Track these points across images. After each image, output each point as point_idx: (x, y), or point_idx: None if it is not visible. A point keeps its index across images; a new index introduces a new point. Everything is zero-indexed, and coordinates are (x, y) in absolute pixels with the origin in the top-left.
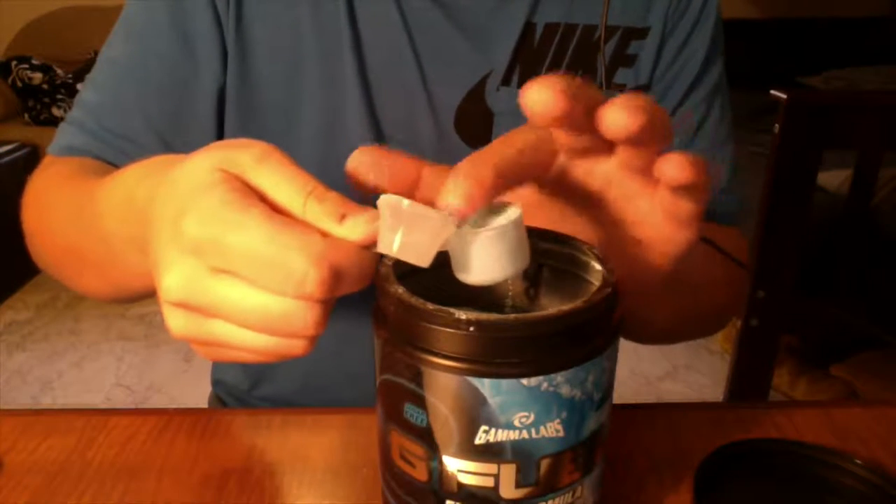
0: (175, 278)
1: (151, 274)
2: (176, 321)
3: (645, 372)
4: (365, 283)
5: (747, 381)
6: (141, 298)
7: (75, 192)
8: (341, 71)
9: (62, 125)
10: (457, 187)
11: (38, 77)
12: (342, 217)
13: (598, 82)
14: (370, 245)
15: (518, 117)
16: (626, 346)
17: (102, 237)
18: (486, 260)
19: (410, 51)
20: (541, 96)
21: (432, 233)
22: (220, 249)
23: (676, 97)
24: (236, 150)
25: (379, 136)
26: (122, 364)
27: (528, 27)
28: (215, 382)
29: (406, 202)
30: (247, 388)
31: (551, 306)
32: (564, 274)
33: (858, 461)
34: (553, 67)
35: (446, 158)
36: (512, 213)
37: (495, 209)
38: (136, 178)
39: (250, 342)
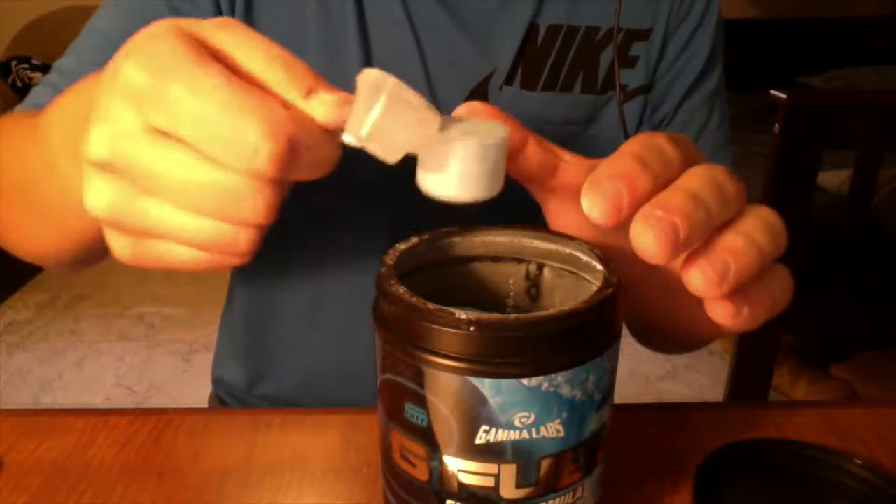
0: (103, 129)
1: None
2: (99, 191)
3: (645, 372)
4: (322, 171)
5: (747, 381)
6: (87, 256)
7: (20, 125)
8: (347, 68)
9: (34, 87)
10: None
11: (38, 77)
12: (309, 91)
13: (600, 84)
14: (335, 130)
15: (520, 117)
16: (626, 346)
17: (46, 159)
18: (459, 175)
19: (415, 49)
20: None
21: (411, 125)
22: (164, 104)
23: (676, 99)
24: (195, 19)
25: None
26: (122, 364)
27: (531, 28)
28: (215, 381)
29: (392, 79)
30: (246, 386)
31: (552, 306)
32: (565, 274)
33: (858, 461)
34: (555, 68)
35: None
36: (498, 133)
37: (479, 126)
38: (83, 85)
39: (188, 228)
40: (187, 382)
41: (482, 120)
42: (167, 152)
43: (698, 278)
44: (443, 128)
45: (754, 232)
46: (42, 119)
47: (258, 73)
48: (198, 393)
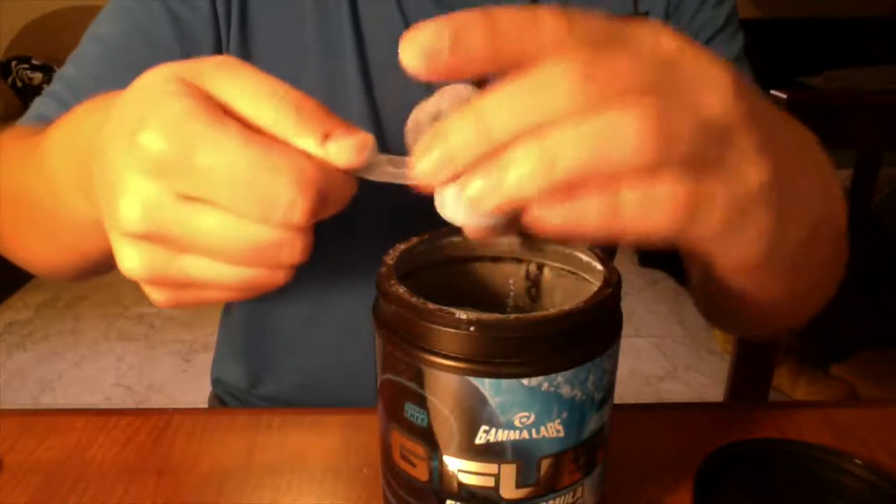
0: (134, 204)
1: (101, 223)
2: (135, 258)
3: (645, 372)
4: (343, 207)
5: (747, 381)
6: (93, 270)
7: (24, 143)
8: (343, 70)
9: (37, 98)
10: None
11: (38, 77)
12: (326, 136)
13: None
14: (357, 171)
15: None
16: (626, 347)
17: (47, 182)
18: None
19: None
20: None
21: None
22: (190, 171)
23: None
24: (193, 61)
25: (381, 135)
26: (122, 364)
27: None
28: (215, 381)
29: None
30: (246, 386)
31: (552, 306)
32: (565, 274)
33: (858, 461)
34: None
35: None
36: None
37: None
38: (83, 111)
39: (228, 278)
40: (187, 382)
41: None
42: (201, 217)
43: (465, 190)
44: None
45: (564, 140)
46: (43, 143)
47: (270, 121)
48: (198, 393)
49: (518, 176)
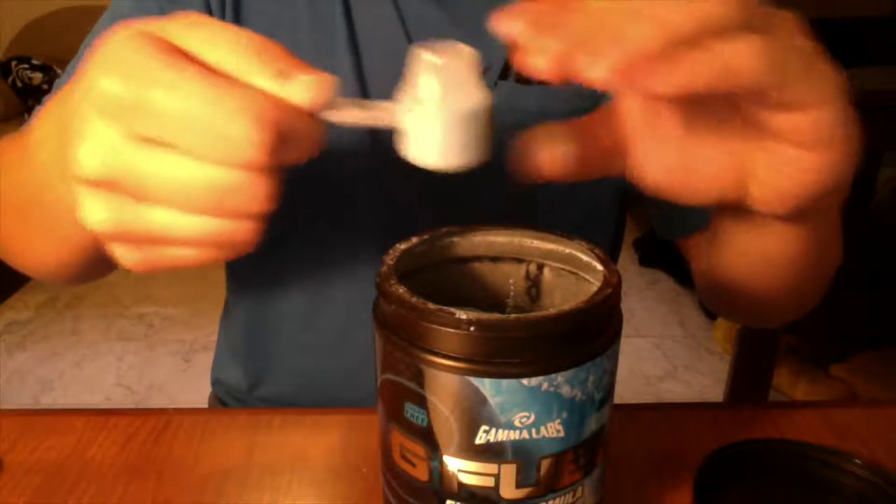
0: (91, 148)
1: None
2: (97, 208)
3: (645, 372)
4: (312, 151)
5: (747, 381)
6: (92, 266)
7: (15, 144)
8: (337, 70)
9: (37, 108)
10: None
11: (38, 77)
12: (285, 74)
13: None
14: (317, 110)
15: (517, 112)
16: (626, 347)
17: (37, 173)
18: (443, 142)
19: (406, 46)
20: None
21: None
22: (147, 112)
23: None
24: (160, 18)
25: (375, 137)
26: (122, 364)
27: None
28: (214, 382)
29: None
30: (246, 388)
31: (552, 306)
32: (565, 274)
33: (858, 461)
34: None
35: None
36: (481, 96)
37: (458, 81)
38: (61, 95)
39: (191, 229)
40: (187, 382)
41: (462, 56)
42: (159, 159)
43: (590, 69)
44: (420, 85)
45: (665, 12)
46: (29, 138)
47: (232, 64)
48: (198, 393)
49: (638, 33)
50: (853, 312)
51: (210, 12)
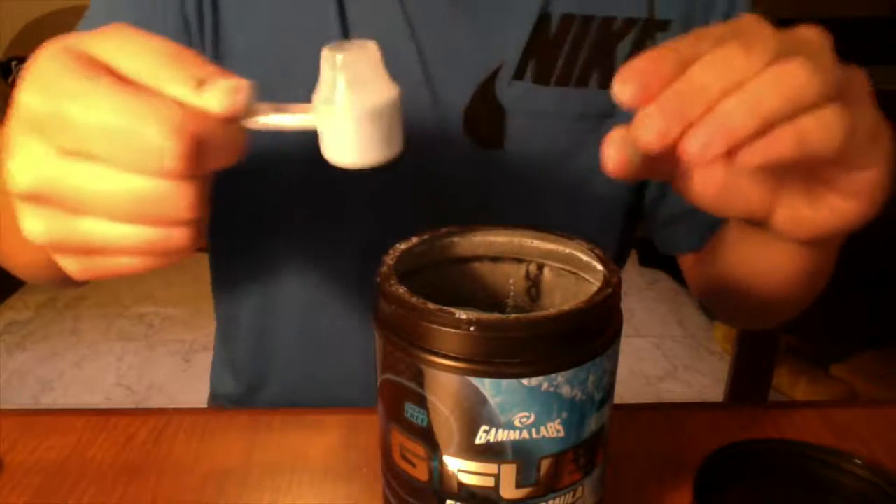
0: (21, 163)
1: None
2: (34, 221)
3: (645, 372)
4: (233, 157)
5: (747, 381)
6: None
7: None
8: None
9: None
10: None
11: None
12: (200, 83)
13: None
14: (234, 118)
15: (532, 114)
16: (626, 347)
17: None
18: (355, 140)
19: (412, 46)
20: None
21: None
22: (64, 124)
23: None
24: (83, 32)
25: None
26: (122, 364)
27: (543, 18)
28: (213, 396)
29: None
30: (245, 394)
31: (552, 306)
32: (565, 274)
33: (858, 461)
34: (569, 61)
35: (455, 163)
36: (388, 91)
37: (369, 78)
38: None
39: (124, 238)
40: (187, 382)
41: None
42: (84, 171)
43: (689, 145)
44: (330, 85)
45: (759, 90)
46: None
47: (148, 73)
48: (198, 393)
49: (734, 114)
50: (853, 312)
51: (186, 22)
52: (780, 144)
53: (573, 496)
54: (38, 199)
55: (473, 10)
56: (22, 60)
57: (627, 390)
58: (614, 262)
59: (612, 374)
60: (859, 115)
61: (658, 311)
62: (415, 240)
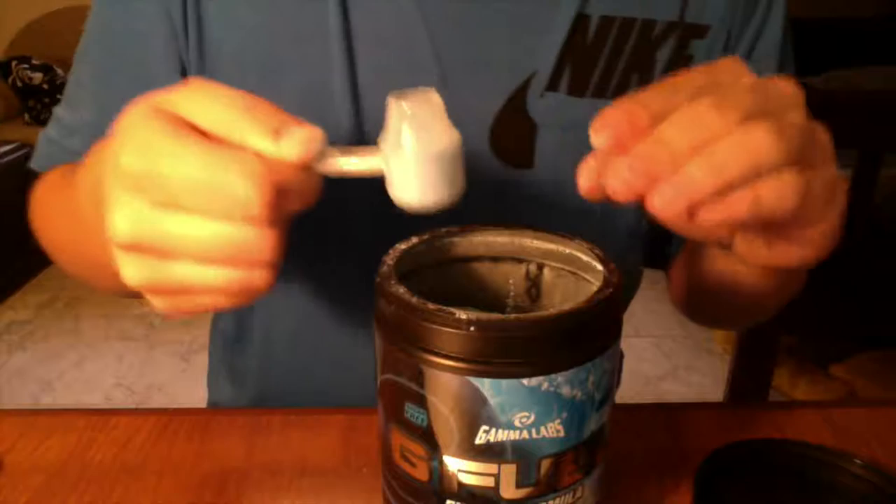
0: (120, 217)
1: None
2: (131, 268)
3: (645, 372)
4: (311, 200)
5: (747, 381)
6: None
7: (62, 196)
8: (328, 80)
9: (40, 141)
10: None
11: (38, 77)
12: (276, 134)
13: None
14: (309, 164)
15: (567, 129)
16: (626, 347)
17: (87, 233)
18: (418, 183)
19: (429, 51)
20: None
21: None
22: (158, 182)
23: None
24: (165, 89)
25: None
26: (122, 364)
27: (581, 20)
28: (212, 404)
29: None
30: (246, 403)
31: (552, 306)
32: (565, 274)
33: (858, 461)
34: (608, 70)
35: (478, 184)
36: (451, 137)
37: (435, 125)
38: (93, 153)
39: (211, 279)
40: (187, 382)
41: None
42: (174, 220)
43: (652, 202)
44: (396, 132)
45: (722, 154)
46: (74, 197)
47: (229, 128)
48: (198, 393)
49: (696, 176)
50: (853, 312)
51: (172, 26)
52: (737, 207)
53: (573, 496)
54: (135, 248)
55: (502, 10)
56: (22, 60)
57: (627, 390)
58: (633, 281)
59: (612, 374)
60: (816, 177)
61: (658, 311)
62: (415, 240)
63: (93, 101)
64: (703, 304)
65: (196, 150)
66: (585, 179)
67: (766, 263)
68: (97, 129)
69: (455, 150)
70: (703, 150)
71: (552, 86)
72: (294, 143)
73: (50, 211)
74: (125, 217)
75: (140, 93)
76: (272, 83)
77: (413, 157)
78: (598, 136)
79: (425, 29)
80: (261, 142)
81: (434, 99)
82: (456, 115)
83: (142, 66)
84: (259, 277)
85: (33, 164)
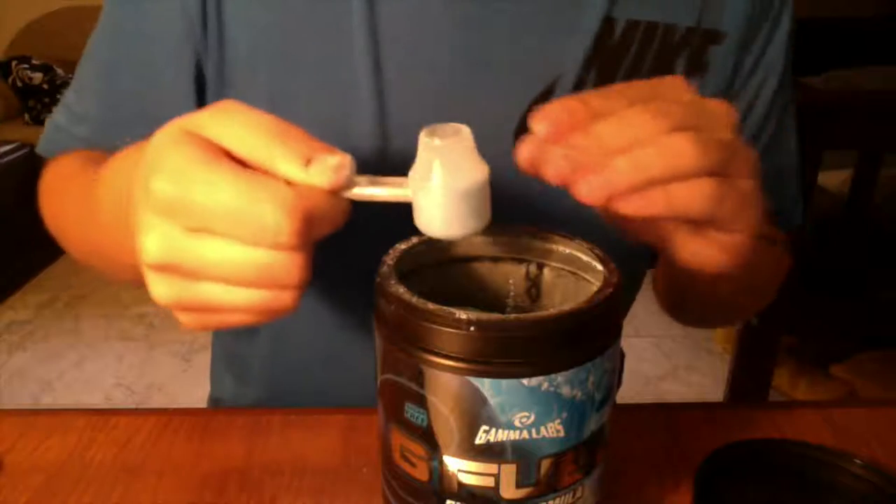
0: (152, 240)
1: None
2: (160, 287)
3: (645, 372)
4: (339, 224)
5: (747, 381)
6: None
7: (76, 190)
8: (350, 78)
9: (48, 127)
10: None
11: (38, 77)
12: (308, 161)
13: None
14: (338, 190)
15: None
16: (626, 347)
17: (105, 232)
18: (444, 216)
19: (457, 53)
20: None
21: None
22: (190, 207)
23: (759, 114)
24: (197, 112)
25: (387, 146)
26: (122, 364)
27: (608, 23)
28: (214, 400)
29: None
30: (248, 400)
31: (552, 306)
32: (565, 274)
33: (858, 461)
34: (631, 76)
35: (501, 188)
36: (477, 173)
37: (464, 160)
38: (119, 161)
39: (239, 300)
40: (187, 382)
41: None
42: (207, 245)
43: (579, 189)
44: (427, 164)
45: (646, 155)
46: (92, 195)
47: (260, 153)
48: (198, 393)
49: (620, 170)
50: (853, 313)
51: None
52: (652, 202)
53: (573, 496)
54: (165, 269)
55: (527, 11)
56: (22, 60)
57: (627, 390)
58: (636, 283)
59: (612, 374)
60: (732, 188)
61: (658, 311)
62: (415, 240)
63: (98, 98)
64: (674, 300)
65: (228, 177)
66: (526, 153)
67: (687, 264)
68: (102, 123)
69: (482, 185)
70: (629, 150)
71: (577, 90)
72: (324, 171)
73: (62, 202)
74: (156, 240)
75: (144, 93)
76: (292, 81)
77: (441, 193)
78: (539, 124)
79: (452, 29)
80: (291, 169)
81: (464, 134)
82: (480, 118)
83: (148, 66)
84: (286, 298)
85: (40, 149)
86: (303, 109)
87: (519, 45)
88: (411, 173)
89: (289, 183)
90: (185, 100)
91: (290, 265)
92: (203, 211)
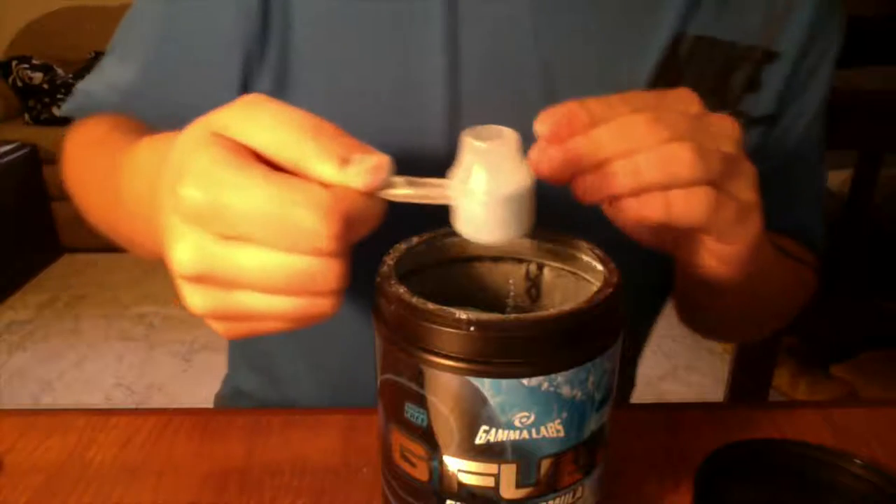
0: (185, 251)
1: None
2: (196, 298)
3: (645, 372)
4: (375, 225)
5: (747, 381)
6: None
7: (98, 165)
8: (423, 66)
9: (78, 89)
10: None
11: (38, 77)
12: (343, 161)
13: (729, 111)
14: (374, 191)
15: None
16: None
17: (127, 221)
18: (486, 221)
19: (535, 62)
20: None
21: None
22: (221, 215)
23: (798, 131)
24: (222, 109)
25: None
26: (122, 364)
27: (679, 38)
28: (232, 394)
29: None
30: (258, 386)
31: (552, 306)
32: (565, 274)
33: (858, 461)
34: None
35: (568, 199)
36: (521, 179)
37: (504, 165)
38: (145, 152)
39: (277, 307)
40: (187, 382)
41: (514, 145)
42: (241, 253)
43: (575, 187)
44: (469, 170)
45: (643, 161)
46: (115, 177)
47: (292, 152)
48: (198, 393)
49: (619, 174)
50: (853, 313)
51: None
52: (648, 207)
53: (573, 496)
54: (200, 280)
55: (600, 25)
56: (22, 60)
57: None
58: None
59: (613, 374)
60: (731, 200)
61: None
62: (415, 240)
63: (140, 68)
64: (683, 310)
65: (261, 181)
66: (536, 156)
67: (688, 272)
68: (138, 95)
69: (525, 191)
70: (627, 155)
71: (654, 87)
72: (361, 172)
73: (83, 174)
74: (188, 250)
75: (188, 78)
76: (355, 71)
77: (483, 198)
78: (541, 125)
79: (532, 46)
80: (327, 169)
81: (508, 136)
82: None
83: (199, 51)
84: (325, 304)
85: (65, 111)
86: (369, 98)
87: (593, 59)
88: (452, 176)
89: (325, 186)
90: (229, 89)
91: (329, 271)
92: (235, 217)
